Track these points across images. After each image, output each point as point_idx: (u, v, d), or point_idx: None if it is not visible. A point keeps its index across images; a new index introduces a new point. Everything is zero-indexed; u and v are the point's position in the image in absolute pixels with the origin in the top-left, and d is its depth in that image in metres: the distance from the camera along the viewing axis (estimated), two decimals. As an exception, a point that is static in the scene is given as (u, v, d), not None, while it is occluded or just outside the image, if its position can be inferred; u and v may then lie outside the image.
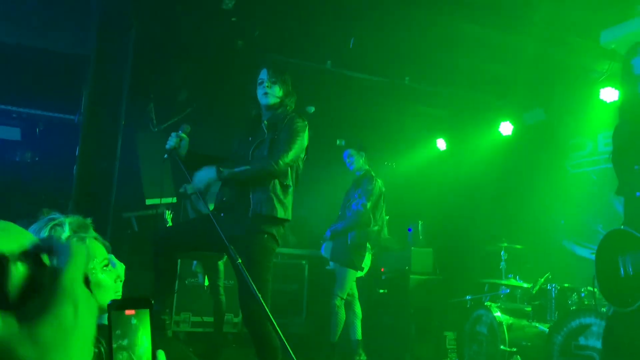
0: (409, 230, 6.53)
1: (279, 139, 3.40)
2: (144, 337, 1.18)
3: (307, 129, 3.49)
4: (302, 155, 3.53)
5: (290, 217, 3.43)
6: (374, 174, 5.67)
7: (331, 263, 5.68)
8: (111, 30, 4.76)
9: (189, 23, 5.35)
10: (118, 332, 1.16)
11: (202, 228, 3.48)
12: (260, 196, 3.27)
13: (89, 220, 1.81)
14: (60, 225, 1.72)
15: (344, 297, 5.42)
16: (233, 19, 5.10)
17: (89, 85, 4.82)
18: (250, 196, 3.30)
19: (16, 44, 5.59)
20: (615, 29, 4.71)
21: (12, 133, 6.12)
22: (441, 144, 7.53)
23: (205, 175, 3.34)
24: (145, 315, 1.18)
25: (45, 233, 1.70)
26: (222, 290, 5.85)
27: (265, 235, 3.29)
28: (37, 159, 6.36)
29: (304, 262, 7.29)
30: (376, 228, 5.58)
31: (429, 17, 5.02)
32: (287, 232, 7.62)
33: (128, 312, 1.17)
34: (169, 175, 6.91)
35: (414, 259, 6.25)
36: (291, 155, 3.35)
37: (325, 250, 5.74)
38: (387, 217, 6.14)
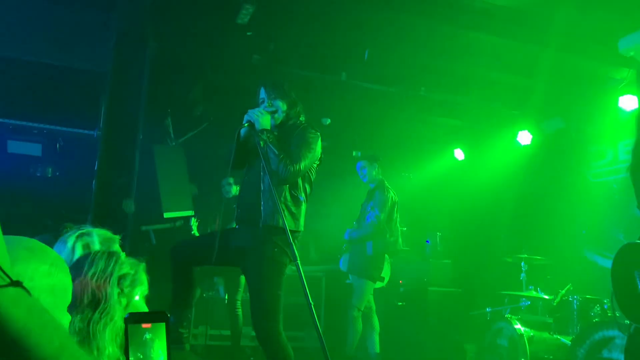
0: (427, 242, 6.48)
1: (291, 149, 3.36)
2: (160, 350, 1.18)
3: (319, 139, 3.45)
4: (315, 165, 3.49)
5: (301, 229, 3.40)
6: (387, 185, 5.64)
7: (350, 276, 5.65)
8: (128, 47, 4.83)
9: (205, 38, 5.41)
10: (135, 345, 1.17)
11: (213, 243, 3.49)
12: (271, 207, 3.25)
13: (117, 237, 1.84)
14: (89, 234, 1.75)
15: (362, 309, 5.38)
16: (248, 34, 5.14)
17: (107, 101, 4.89)
18: (262, 207, 3.28)
19: (36, 61, 5.71)
20: (633, 36, 4.66)
21: (34, 149, 6.24)
22: (459, 154, 7.48)
23: (257, 116, 3.32)
24: (162, 329, 1.19)
25: (71, 241, 1.73)
26: (239, 304, 5.86)
27: (276, 249, 3.25)
28: (57, 173, 6.45)
29: (320, 274, 7.26)
30: (392, 239, 5.55)
31: (445, 28, 5.01)
32: (310, 247, 7.61)
33: (145, 325, 1.18)
34: (186, 188, 6.97)
35: (432, 270, 6.20)
36: (302, 164, 3.29)
37: (344, 264, 5.71)
38: (405, 229, 6.09)
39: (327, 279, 7.26)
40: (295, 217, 3.35)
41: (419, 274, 6.28)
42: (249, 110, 3.38)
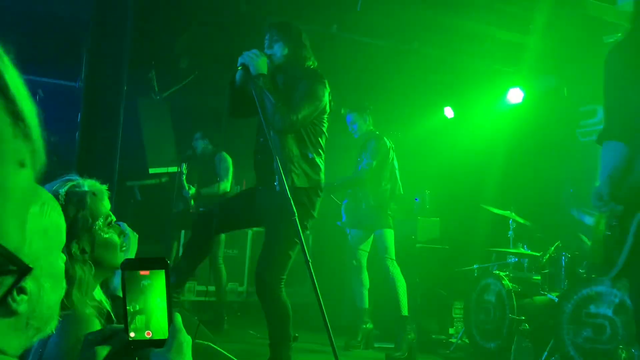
0: (416, 200, 6.46)
1: (292, 97, 3.17)
2: (159, 298, 1.10)
3: (325, 87, 3.25)
4: (325, 115, 3.29)
5: (311, 185, 3.25)
6: (378, 133, 5.48)
7: (353, 230, 5.54)
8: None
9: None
10: (132, 293, 1.09)
11: (241, 205, 3.40)
12: (282, 166, 3.10)
13: (105, 187, 1.74)
14: (79, 187, 1.65)
15: (394, 258, 5.27)
16: (237, -19, 4.93)
17: (89, 50, 4.68)
18: (274, 167, 3.14)
19: (14, 8, 5.43)
20: (633, -9, 4.54)
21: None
22: (449, 112, 7.41)
23: (252, 59, 3.07)
24: (161, 276, 1.11)
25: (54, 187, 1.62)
26: (221, 260, 5.84)
27: (293, 208, 3.10)
28: (37, 127, 6.23)
29: (307, 232, 7.23)
30: (388, 186, 5.43)
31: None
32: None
33: (142, 272, 1.10)
34: (171, 143, 6.82)
35: (420, 228, 6.20)
36: (301, 114, 3.10)
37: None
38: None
39: (314, 237, 7.25)
40: (305, 174, 3.22)
41: (406, 232, 6.27)
42: (244, 53, 3.15)
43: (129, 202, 6.52)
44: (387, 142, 5.45)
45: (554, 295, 4.65)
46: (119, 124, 4.40)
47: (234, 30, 5.72)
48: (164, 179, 6.66)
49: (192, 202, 5.95)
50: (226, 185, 5.86)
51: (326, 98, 3.28)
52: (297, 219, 2.81)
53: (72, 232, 1.57)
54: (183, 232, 6.24)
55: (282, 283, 3.19)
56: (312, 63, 3.35)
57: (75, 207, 1.61)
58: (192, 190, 5.94)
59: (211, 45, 6.25)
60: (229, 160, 5.92)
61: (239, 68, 3.16)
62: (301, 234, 2.79)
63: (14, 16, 5.49)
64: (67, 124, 5.45)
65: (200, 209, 5.75)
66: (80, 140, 4.45)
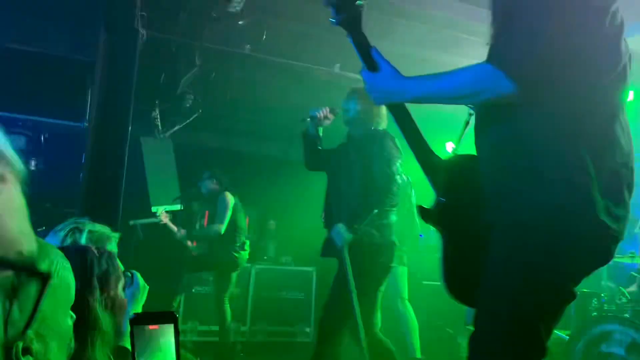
0: (420, 236, 6.42)
1: (370, 169, 3.25)
2: (168, 352, 1.09)
3: (394, 144, 3.32)
4: (398, 163, 3.34)
5: (383, 239, 3.34)
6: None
7: None
8: (117, 36, 4.69)
9: (196, 28, 5.28)
10: (141, 347, 1.07)
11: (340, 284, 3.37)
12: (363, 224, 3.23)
13: (116, 235, 1.71)
14: (80, 231, 1.62)
15: (406, 297, 5.14)
16: (240, 23, 5.03)
17: (95, 91, 4.75)
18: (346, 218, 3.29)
19: (21, 50, 5.52)
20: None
21: (17, 142, 6.03)
22: (450, 147, 7.44)
23: (340, 234, 3.21)
24: (169, 331, 1.09)
25: (62, 234, 1.61)
26: (226, 301, 5.72)
27: (373, 263, 3.32)
28: (41, 167, 6.26)
29: (311, 269, 7.17)
30: (408, 223, 5.39)
31: (440, 22, 4.98)
32: (268, 243, 7.52)
33: (151, 327, 1.08)
34: (175, 182, 6.83)
35: (425, 264, 6.15)
36: (396, 182, 3.25)
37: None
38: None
39: (317, 274, 7.17)
40: (380, 229, 3.31)
41: (411, 269, 6.21)
42: (316, 108, 3.37)
43: (131, 241, 6.47)
44: (407, 177, 5.40)
45: (564, 334, 4.57)
46: (123, 163, 4.42)
47: (237, 70, 5.82)
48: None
49: (186, 244, 5.90)
50: (220, 228, 5.67)
51: (397, 151, 3.35)
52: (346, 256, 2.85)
53: (105, 284, 1.56)
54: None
55: (340, 330, 3.23)
56: (379, 125, 3.42)
57: (107, 262, 1.59)
58: (180, 236, 5.88)
59: (215, 85, 6.33)
60: (231, 202, 5.76)
61: (308, 120, 3.36)
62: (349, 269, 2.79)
63: (18, 56, 5.58)
64: (71, 163, 5.47)
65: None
66: (85, 180, 4.47)
